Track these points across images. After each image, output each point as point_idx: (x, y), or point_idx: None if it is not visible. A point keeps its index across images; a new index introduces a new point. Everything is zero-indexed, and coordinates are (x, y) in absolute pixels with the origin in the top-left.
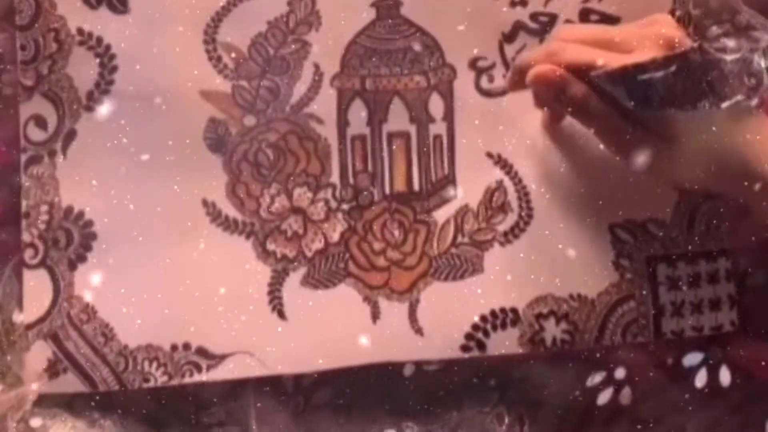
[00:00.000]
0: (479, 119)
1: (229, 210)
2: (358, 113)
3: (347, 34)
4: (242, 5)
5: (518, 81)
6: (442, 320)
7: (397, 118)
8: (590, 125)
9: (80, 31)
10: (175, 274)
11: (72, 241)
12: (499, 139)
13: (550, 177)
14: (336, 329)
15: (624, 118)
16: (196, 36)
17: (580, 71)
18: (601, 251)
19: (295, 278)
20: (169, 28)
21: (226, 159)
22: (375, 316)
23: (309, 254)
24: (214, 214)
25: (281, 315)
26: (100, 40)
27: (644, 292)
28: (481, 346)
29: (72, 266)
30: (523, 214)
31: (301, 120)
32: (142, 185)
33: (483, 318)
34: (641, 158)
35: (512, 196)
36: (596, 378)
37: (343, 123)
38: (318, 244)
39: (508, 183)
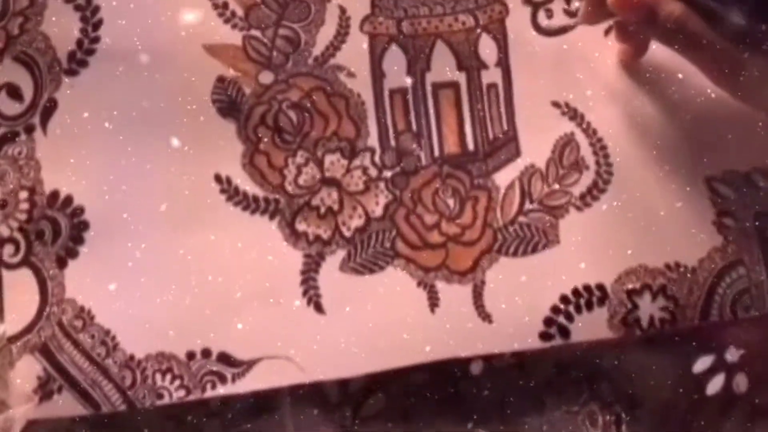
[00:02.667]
0: (540, 63)
1: (248, 185)
2: (396, 62)
3: None
4: None
5: (595, 9)
6: (514, 304)
7: (443, 66)
8: (688, 52)
9: None
10: (187, 266)
11: (60, 232)
12: (566, 84)
13: (631, 126)
14: (386, 322)
15: (731, 39)
16: None
17: None
18: (698, 210)
19: (332, 263)
20: None
21: (240, 125)
22: (433, 303)
23: (348, 233)
24: (231, 192)
25: (318, 308)
26: None
27: (755, 256)
28: (564, 332)
29: (61, 263)
30: (601, 171)
31: (328, 73)
32: (140, 162)
33: (564, 298)
34: (753, 87)
35: (586, 151)
36: (704, 363)
37: (378, 75)
38: (358, 221)
39: (580, 136)
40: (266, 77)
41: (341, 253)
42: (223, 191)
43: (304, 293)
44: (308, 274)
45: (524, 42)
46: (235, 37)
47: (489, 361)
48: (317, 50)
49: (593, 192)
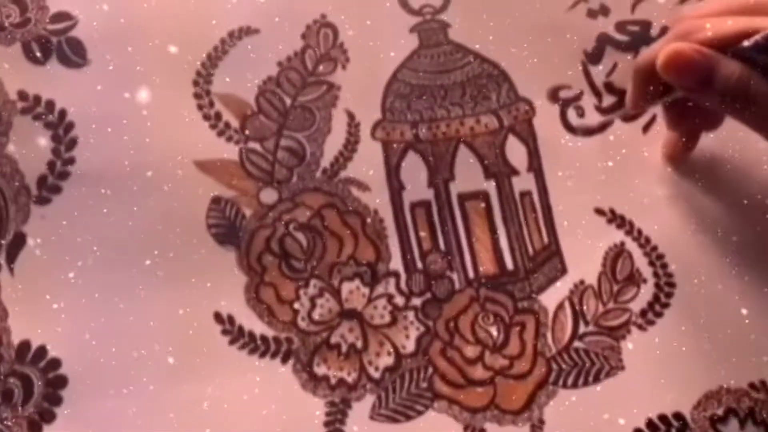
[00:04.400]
0: (576, 166)
1: (254, 324)
2: (415, 172)
3: (384, 69)
4: (242, 44)
5: (642, 90)
6: None
7: (468, 174)
8: (753, 118)
9: (22, 95)
10: (185, 426)
11: (32, 391)
12: (609, 189)
13: (689, 230)
14: None
15: None
16: (182, 89)
17: (725, 46)
18: None
19: (361, 411)
20: (144, 81)
21: (241, 252)
22: None
23: (376, 375)
24: (234, 333)
25: None
26: (50, 105)
27: None
28: None
29: (35, 429)
30: (661, 283)
31: (339, 188)
32: (126, 302)
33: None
34: None
35: (641, 262)
36: None
37: (396, 187)
38: (387, 359)
39: (631, 245)
40: (269, 196)
41: (370, 399)
42: (225, 332)
43: None
44: (333, 426)
45: (556, 144)
46: (230, 151)
47: None
48: (325, 162)
49: (655, 307)
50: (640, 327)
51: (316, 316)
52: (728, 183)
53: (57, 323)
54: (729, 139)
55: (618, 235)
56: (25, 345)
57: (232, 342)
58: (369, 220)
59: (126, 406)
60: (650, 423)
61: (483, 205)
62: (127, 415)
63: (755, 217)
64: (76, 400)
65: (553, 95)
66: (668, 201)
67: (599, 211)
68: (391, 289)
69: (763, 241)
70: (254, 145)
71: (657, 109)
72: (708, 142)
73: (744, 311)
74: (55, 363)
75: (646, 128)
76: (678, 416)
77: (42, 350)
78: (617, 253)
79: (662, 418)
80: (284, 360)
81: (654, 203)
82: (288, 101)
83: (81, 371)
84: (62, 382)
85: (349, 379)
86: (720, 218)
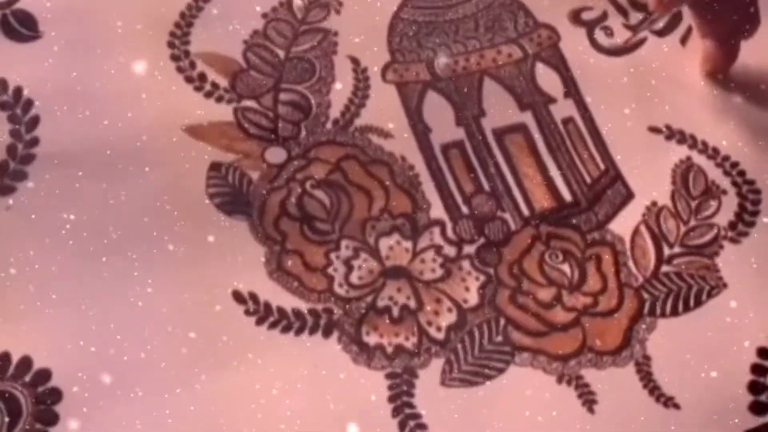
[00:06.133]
0: (617, 86)
1: (282, 298)
2: (439, 112)
3: (382, 10)
4: None
5: None
6: (699, 375)
7: (500, 108)
8: None
9: None
10: (216, 424)
11: (20, 411)
12: (658, 106)
13: (756, 136)
14: None
15: None
16: (157, 51)
17: None
18: None
19: (429, 378)
20: (111, 47)
21: (254, 221)
22: (588, 400)
23: (439, 336)
24: (260, 312)
25: None
26: (3, 83)
27: None
28: None
29: None
30: (744, 192)
31: (357, 138)
32: (124, 297)
33: (763, 352)
34: None
35: (715, 174)
36: None
37: (421, 130)
38: (448, 317)
39: (699, 159)
40: (276, 155)
41: (438, 363)
42: (249, 312)
43: (402, 426)
44: (400, 399)
45: (590, 66)
46: (223, 112)
47: None
48: (335, 112)
49: (744, 217)
50: (733, 240)
51: (355, 279)
52: None
53: (41, 328)
54: None
55: (682, 151)
56: (4, 357)
57: (259, 322)
58: (396, 168)
59: (141, 411)
60: None
61: (523, 138)
62: (134, 428)
63: None
64: (76, 414)
65: (576, 18)
66: (725, 112)
67: (654, 129)
68: (437, 239)
69: None
70: (250, 103)
71: (691, 20)
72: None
73: None
74: (45, 374)
75: (684, 40)
76: None
77: (26, 361)
78: (686, 168)
79: None
80: (326, 334)
81: (711, 116)
82: (281, 53)
83: (77, 380)
84: (56, 396)
85: (409, 345)
86: None
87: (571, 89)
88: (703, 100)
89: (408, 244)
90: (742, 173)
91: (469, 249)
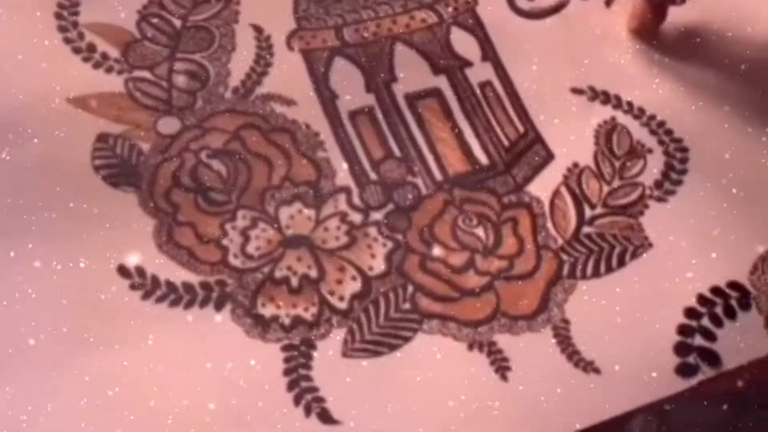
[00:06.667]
0: (538, 49)
1: (172, 272)
2: (348, 78)
3: None
4: None
5: None
6: (622, 338)
7: (412, 73)
8: None
9: None
10: (116, 404)
11: None
12: (581, 67)
13: (682, 95)
14: (438, 417)
15: None
16: (44, 22)
17: None
18: None
19: (329, 349)
20: None
21: (144, 193)
22: (501, 367)
23: (342, 305)
24: (147, 285)
25: (326, 418)
26: None
27: None
28: (710, 357)
29: None
30: (671, 150)
31: (258, 106)
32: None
33: (690, 313)
34: None
35: (641, 133)
36: None
37: (327, 96)
38: (352, 285)
39: (625, 118)
40: (169, 125)
41: (339, 334)
42: (134, 287)
43: (298, 401)
44: (296, 372)
45: (509, 29)
46: (113, 83)
47: (618, 423)
48: (235, 81)
49: (671, 176)
50: (659, 199)
51: (251, 250)
52: (708, 52)
53: None
54: (702, 8)
55: (606, 111)
56: None
57: (145, 297)
58: (300, 135)
59: (22, 392)
60: (702, 299)
61: (437, 102)
62: (27, 402)
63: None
64: None
65: None
66: (652, 71)
67: (577, 91)
68: (343, 206)
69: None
70: (142, 74)
71: None
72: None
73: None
74: None
75: (609, 1)
76: (734, 285)
77: None
78: (610, 128)
79: (716, 290)
80: (218, 307)
81: (638, 75)
82: (178, 23)
83: None
84: None
85: (308, 316)
86: (713, 84)
87: (489, 53)
88: (629, 60)
89: (310, 213)
90: (669, 132)
91: (377, 215)
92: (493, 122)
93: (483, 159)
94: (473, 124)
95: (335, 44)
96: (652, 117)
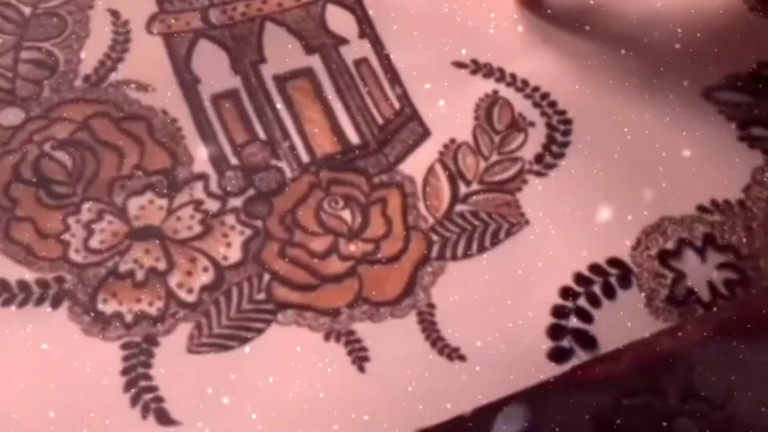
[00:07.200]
0: (419, 24)
1: (6, 269)
2: (212, 61)
3: None
4: None
5: None
6: (490, 323)
7: (283, 53)
8: None
9: None
10: None
11: None
12: (464, 40)
13: (568, 66)
14: (286, 415)
15: None
16: None
17: None
18: (713, 130)
19: (173, 345)
20: None
21: None
22: (358, 358)
23: (190, 298)
24: None
25: (163, 419)
26: None
27: None
28: (585, 340)
29: None
30: (553, 122)
31: (110, 93)
32: None
33: (566, 293)
34: None
35: (523, 106)
36: None
37: (188, 80)
38: (203, 277)
39: (507, 92)
40: (11, 116)
41: (186, 328)
42: None
43: (134, 401)
44: (135, 371)
45: (389, 5)
46: None
47: (484, 415)
48: (87, 68)
49: (552, 149)
50: (539, 174)
51: (95, 243)
52: (596, 23)
53: None
54: None
55: (488, 84)
56: None
57: None
58: (156, 122)
59: None
60: (579, 277)
61: (309, 83)
62: None
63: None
64: None
65: None
66: (538, 43)
67: (459, 65)
68: (199, 194)
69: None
70: None
71: None
72: None
73: (672, 132)
74: None
75: None
76: (615, 262)
77: None
78: (491, 102)
79: (594, 268)
80: (55, 304)
81: (522, 47)
82: (27, 10)
83: None
84: None
85: (153, 310)
86: (599, 55)
87: (367, 29)
88: (514, 31)
89: (163, 202)
90: (553, 104)
91: (236, 202)
92: (368, 100)
93: (354, 138)
94: (346, 104)
95: (199, 26)
96: (536, 89)
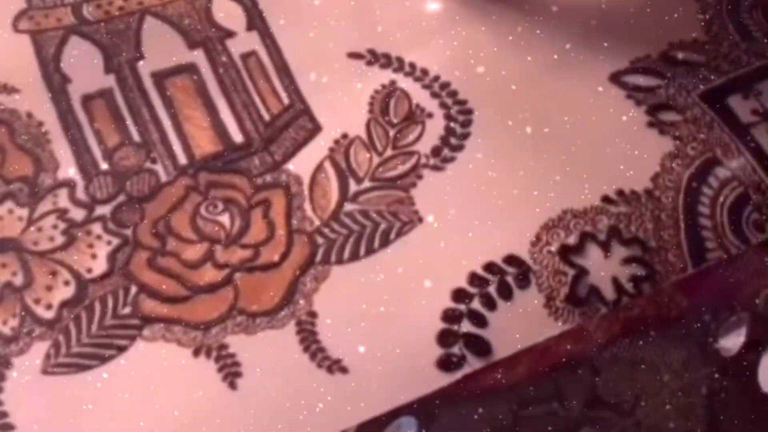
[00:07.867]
0: (314, 14)
1: None
2: (84, 59)
3: None
4: None
5: None
6: (376, 332)
7: (163, 49)
8: None
9: None
10: None
11: None
12: (360, 29)
13: (469, 54)
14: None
15: None
16: None
17: None
18: (619, 116)
19: (27, 367)
20: None
21: None
22: (231, 373)
23: (48, 315)
24: None
25: None
26: None
27: (730, 146)
28: (479, 346)
29: None
30: (452, 112)
31: None
32: None
33: (458, 295)
34: None
35: (421, 97)
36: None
37: (57, 81)
38: (64, 291)
39: (406, 82)
40: None
41: (41, 348)
42: None
43: None
44: None
45: None
46: None
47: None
48: None
49: (451, 141)
50: (436, 168)
51: None
52: (500, 11)
53: None
54: None
55: (385, 75)
56: None
57: None
58: (19, 126)
59: None
60: (473, 277)
61: (189, 79)
62: None
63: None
64: None
65: None
66: (438, 31)
67: (354, 55)
68: (63, 202)
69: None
70: None
71: None
72: None
73: (577, 121)
74: None
75: None
76: (512, 260)
77: None
78: (387, 93)
79: (489, 267)
80: None
81: (421, 35)
82: None
83: None
84: None
85: (6, 330)
86: (501, 43)
87: (257, 21)
88: (413, 19)
89: (23, 212)
90: (453, 93)
91: (104, 209)
92: (255, 96)
93: (238, 137)
94: (230, 100)
95: (71, 23)
96: (436, 78)
